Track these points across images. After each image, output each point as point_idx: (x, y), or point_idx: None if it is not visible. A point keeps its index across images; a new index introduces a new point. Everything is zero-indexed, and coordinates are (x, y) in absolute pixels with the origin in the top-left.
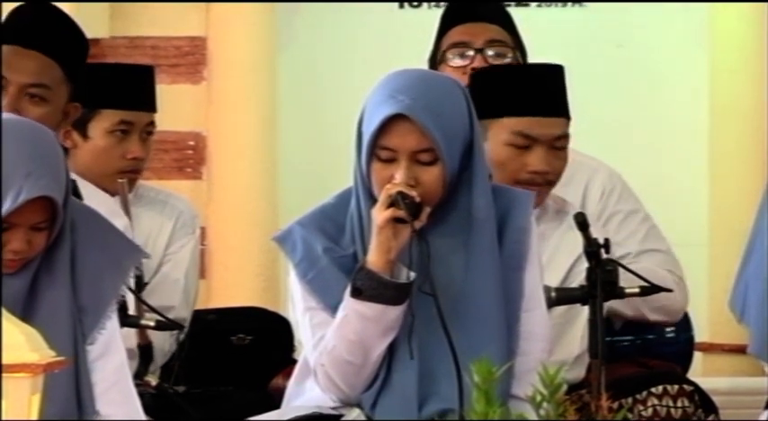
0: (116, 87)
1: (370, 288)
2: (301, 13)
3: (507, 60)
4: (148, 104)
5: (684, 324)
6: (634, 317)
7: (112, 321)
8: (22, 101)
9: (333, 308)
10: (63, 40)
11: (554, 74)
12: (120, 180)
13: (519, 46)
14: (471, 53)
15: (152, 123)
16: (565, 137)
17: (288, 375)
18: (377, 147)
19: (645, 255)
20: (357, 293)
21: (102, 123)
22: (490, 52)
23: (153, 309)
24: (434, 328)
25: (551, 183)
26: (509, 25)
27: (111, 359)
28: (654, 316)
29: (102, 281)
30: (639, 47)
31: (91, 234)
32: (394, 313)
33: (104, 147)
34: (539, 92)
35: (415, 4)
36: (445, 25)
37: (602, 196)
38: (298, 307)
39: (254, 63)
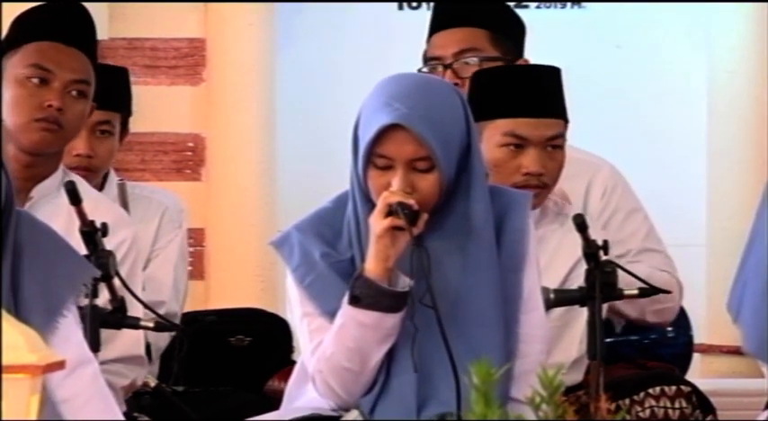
0: None
1: (368, 296)
2: (300, 14)
3: (475, 67)
4: (103, 102)
5: (684, 325)
6: (636, 318)
7: (67, 329)
8: (67, 97)
9: (331, 313)
10: (91, 37)
11: (548, 75)
12: (119, 181)
13: (508, 45)
14: (440, 70)
15: (107, 122)
16: (559, 137)
17: (283, 377)
18: (373, 155)
19: (645, 254)
20: (355, 301)
21: None
22: (458, 66)
23: (149, 308)
24: (433, 333)
25: (546, 186)
26: (493, 23)
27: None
28: (653, 318)
29: (50, 293)
30: (638, 48)
31: (38, 251)
32: (392, 320)
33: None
34: (530, 93)
35: (415, 5)
36: (429, 31)
37: (605, 193)
38: (295, 312)
39: (253, 64)
